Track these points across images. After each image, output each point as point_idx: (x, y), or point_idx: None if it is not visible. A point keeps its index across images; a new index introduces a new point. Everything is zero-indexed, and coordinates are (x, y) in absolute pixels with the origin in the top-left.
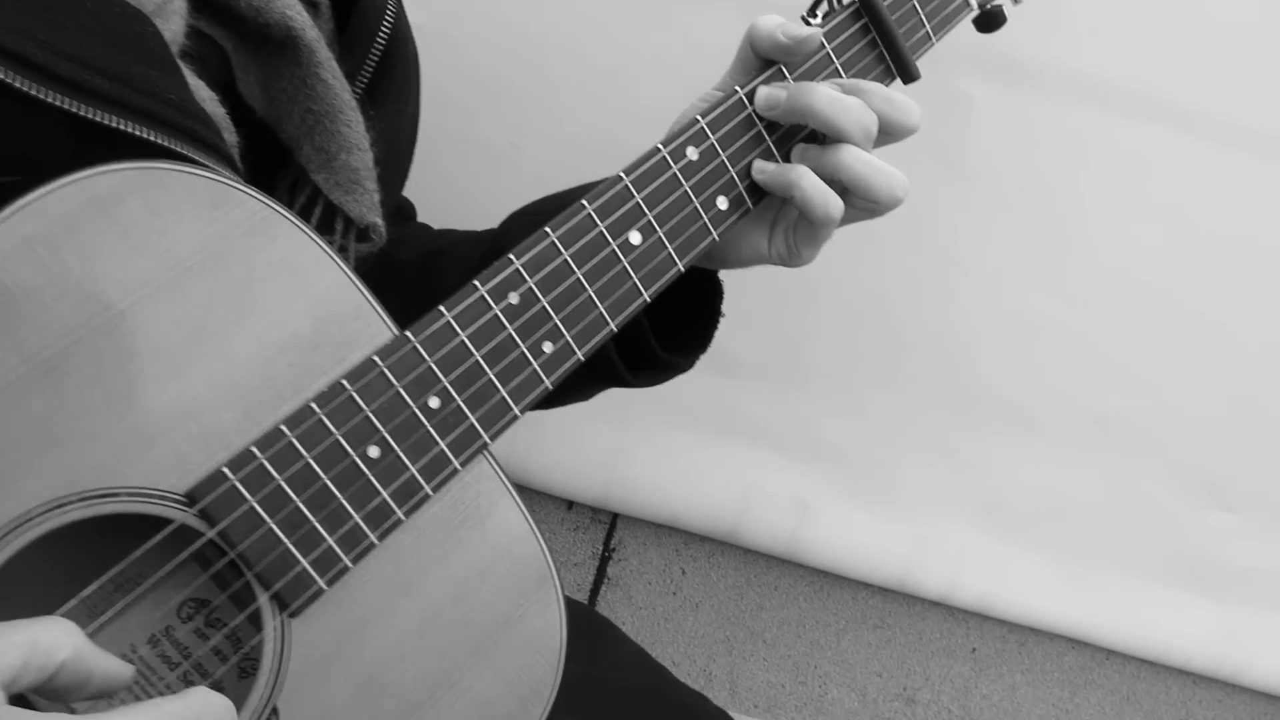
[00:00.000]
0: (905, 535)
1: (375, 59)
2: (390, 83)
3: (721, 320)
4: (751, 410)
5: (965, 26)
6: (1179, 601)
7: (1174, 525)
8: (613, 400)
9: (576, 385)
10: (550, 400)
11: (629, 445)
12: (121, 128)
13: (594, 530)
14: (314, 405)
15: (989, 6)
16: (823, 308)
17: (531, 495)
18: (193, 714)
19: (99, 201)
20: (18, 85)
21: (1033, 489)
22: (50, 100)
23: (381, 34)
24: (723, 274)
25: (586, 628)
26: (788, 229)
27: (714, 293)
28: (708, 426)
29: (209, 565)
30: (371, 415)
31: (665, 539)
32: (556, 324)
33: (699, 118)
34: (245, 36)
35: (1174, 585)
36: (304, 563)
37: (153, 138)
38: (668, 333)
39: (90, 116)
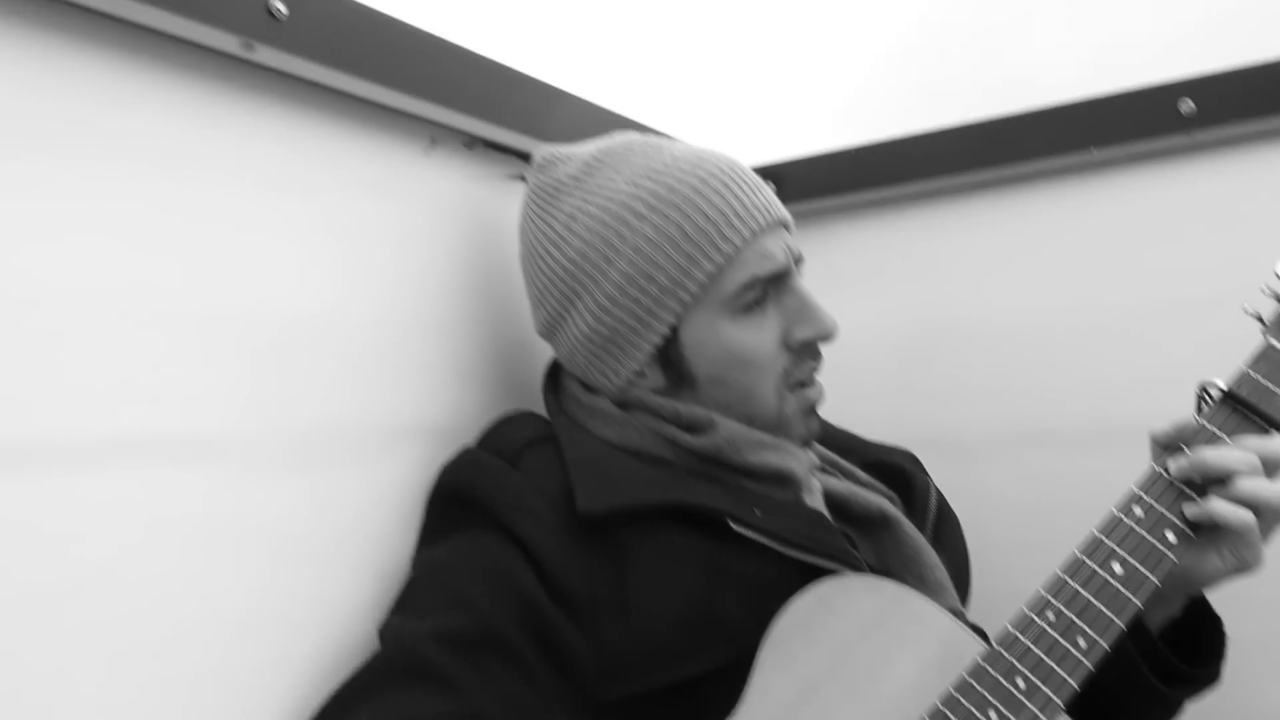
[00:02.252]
0: None
1: (932, 518)
2: (943, 528)
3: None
4: None
5: None
6: None
7: None
8: None
9: (1127, 707)
10: None
11: None
12: (823, 565)
13: None
14: (954, 690)
15: None
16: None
17: None
18: None
19: (824, 599)
20: (778, 548)
21: None
22: (791, 554)
23: (931, 504)
24: None
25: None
26: (1229, 545)
27: (1215, 622)
28: None
29: None
30: (985, 691)
31: None
32: (1081, 627)
33: (1134, 488)
34: (861, 526)
35: None
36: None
37: (837, 568)
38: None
39: (809, 560)
